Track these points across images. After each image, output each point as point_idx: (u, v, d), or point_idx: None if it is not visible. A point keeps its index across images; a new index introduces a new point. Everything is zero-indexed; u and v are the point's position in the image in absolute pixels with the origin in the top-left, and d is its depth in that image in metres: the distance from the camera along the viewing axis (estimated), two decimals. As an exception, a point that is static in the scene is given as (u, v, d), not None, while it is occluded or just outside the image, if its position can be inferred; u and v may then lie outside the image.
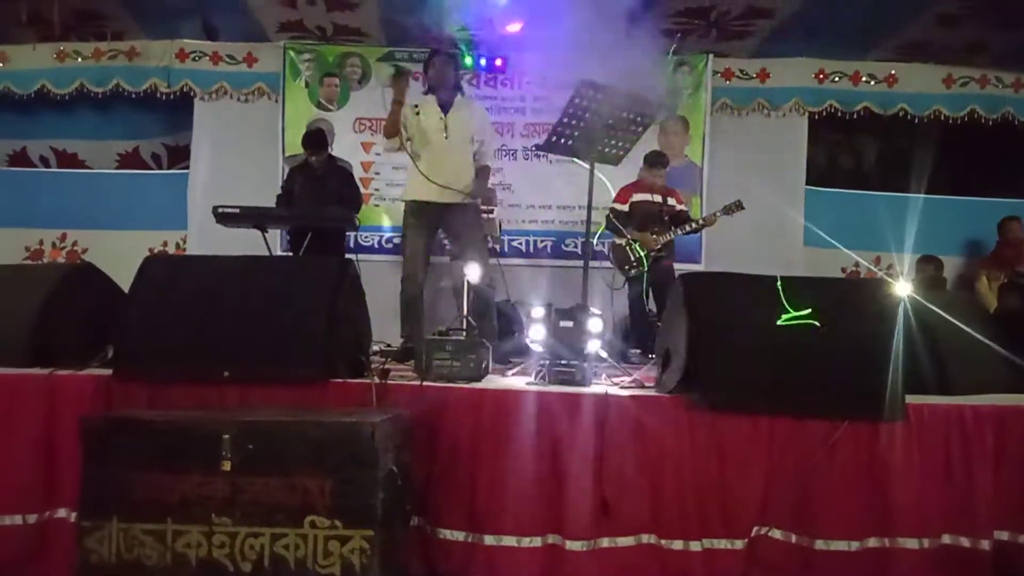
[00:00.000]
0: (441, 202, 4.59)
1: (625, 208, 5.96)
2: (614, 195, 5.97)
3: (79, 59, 7.34)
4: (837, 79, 7.44)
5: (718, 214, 5.92)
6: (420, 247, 4.64)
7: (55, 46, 7.28)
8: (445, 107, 4.63)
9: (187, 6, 6.81)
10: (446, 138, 4.57)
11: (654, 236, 5.80)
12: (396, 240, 7.00)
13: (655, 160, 6.09)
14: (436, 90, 4.64)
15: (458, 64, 4.81)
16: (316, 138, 5.97)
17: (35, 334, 3.11)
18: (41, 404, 2.88)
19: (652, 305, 5.88)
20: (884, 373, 2.82)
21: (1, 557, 2.77)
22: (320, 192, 5.71)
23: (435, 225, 4.69)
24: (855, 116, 7.51)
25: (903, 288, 3.20)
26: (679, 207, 6.05)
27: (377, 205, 7.29)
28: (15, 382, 2.93)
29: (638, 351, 5.63)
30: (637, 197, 5.98)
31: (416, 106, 4.65)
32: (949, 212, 7.37)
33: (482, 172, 4.72)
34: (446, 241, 4.96)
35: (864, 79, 7.42)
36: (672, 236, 5.86)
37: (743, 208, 5.86)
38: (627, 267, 5.84)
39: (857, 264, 7.39)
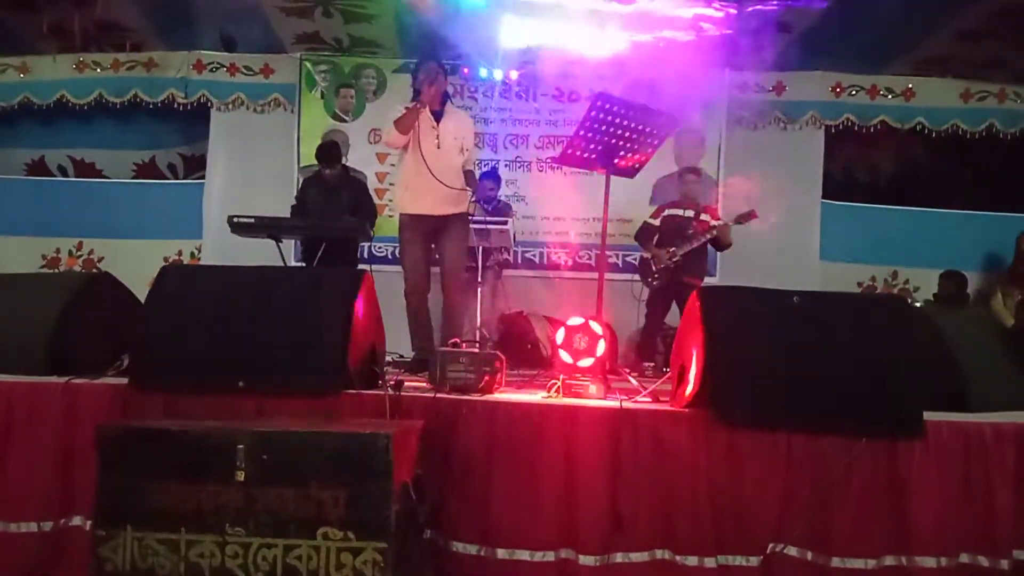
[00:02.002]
0: (434, 214, 4.62)
1: (656, 223, 6.00)
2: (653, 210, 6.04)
3: (98, 70, 7.42)
4: (854, 93, 7.42)
5: (730, 224, 5.89)
6: (420, 259, 4.68)
7: (75, 57, 7.37)
8: (437, 116, 4.66)
9: (205, 18, 6.88)
10: (438, 147, 4.59)
11: (669, 252, 5.78)
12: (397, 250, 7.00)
13: (684, 169, 6.13)
14: (426, 101, 4.62)
15: (447, 74, 4.81)
16: (329, 150, 6.00)
17: (52, 343, 3.13)
18: (58, 412, 2.89)
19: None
20: (901, 389, 2.80)
21: (17, 564, 2.78)
22: (333, 203, 5.74)
23: (430, 237, 4.72)
24: (872, 130, 7.48)
25: (920, 303, 3.18)
26: (713, 223, 5.99)
27: (391, 216, 7.29)
28: (33, 390, 2.95)
29: (651, 364, 5.61)
30: (669, 212, 6.00)
31: None
32: (967, 227, 7.33)
33: (469, 177, 4.75)
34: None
35: (881, 93, 7.40)
36: (685, 249, 5.82)
37: (756, 216, 5.82)
38: (649, 278, 5.86)
39: (874, 278, 7.35)
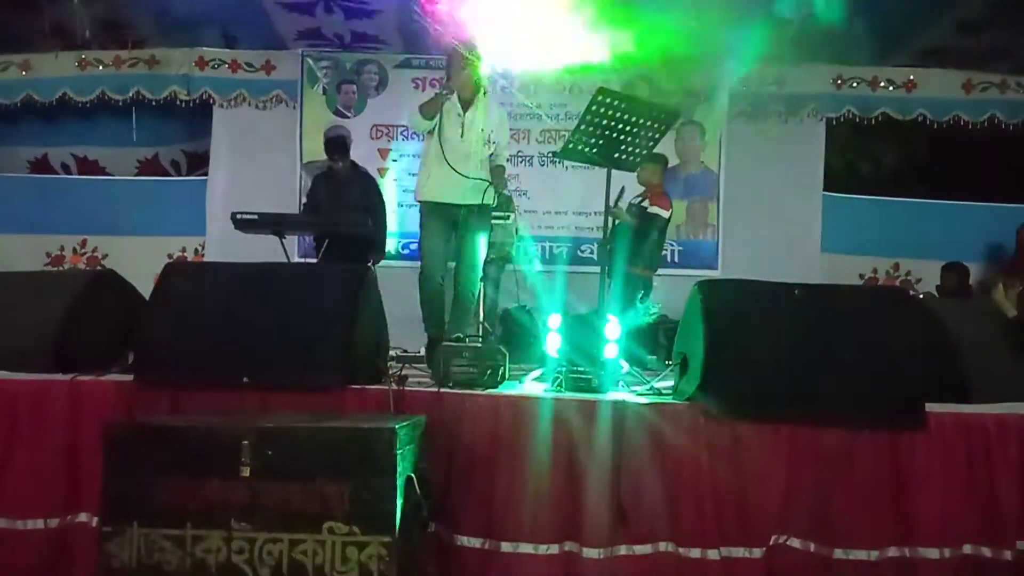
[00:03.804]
0: (455, 203, 4.55)
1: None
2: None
3: (100, 67, 7.41)
4: (855, 85, 7.39)
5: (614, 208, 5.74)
6: (439, 245, 4.60)
7: (77, 54, 7.36)
8: (465, 105, 4.56)
9: (207, 15, 6.88)
10: (461, 136, 4.51)
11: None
12: (413, 245, 7.00)
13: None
14: (455, 88, 4.53)
15: (482, 58, 4.58)
16: (338, 144, 5.99)
17: (58, 340, 3.14)
18: (64, 410, 2.92)
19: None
20: (903, 381, 2.80)
21: (24, 561, 2.81)
22: (344, 199, 5.74)
23: (451, 225, 4.63)
24: (873, 122, 7.46)
25: (922, 295, 3.18)
26: (649, 209, 5.86)
27: (394, 211, 7.31)
28: (38, 388, 2.96)
29: (653, 357, 5.60)
30: (631, 201, 5.94)
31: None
32: (969, 218, 7.31)
33: (496, 172, 4.63)
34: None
35: (882, 84, 7.37)
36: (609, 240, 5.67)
37: (623, 192, 5.71)
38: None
39: (875, 270, 7.34)
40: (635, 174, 5.83)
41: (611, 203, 5.45)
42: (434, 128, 4.50)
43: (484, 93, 4.68)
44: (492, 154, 4.66)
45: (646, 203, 5.86)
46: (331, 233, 5.40)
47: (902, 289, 6.44)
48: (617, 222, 5.53)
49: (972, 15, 6.34)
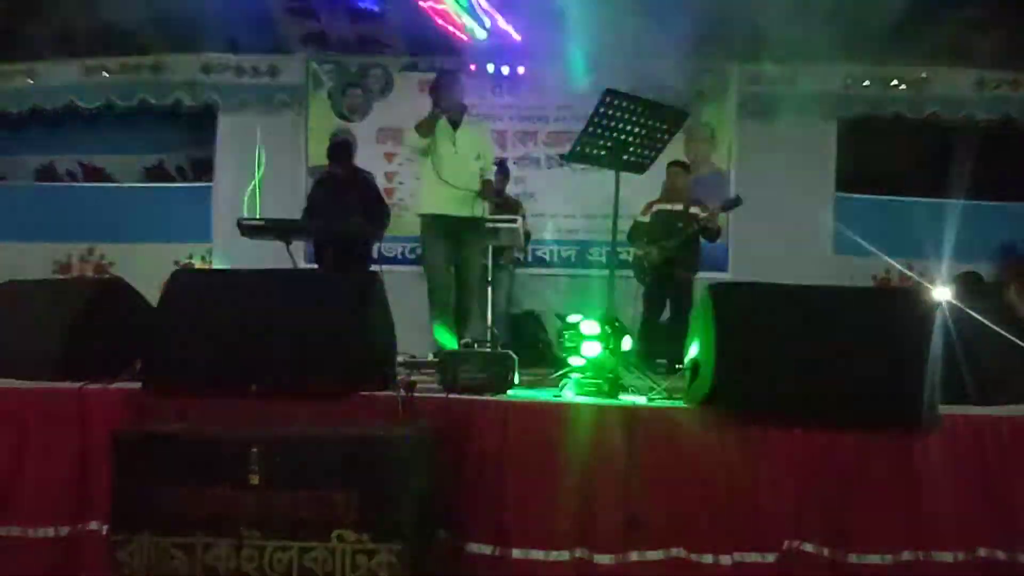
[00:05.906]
0: (454, 215, 4.72)
1: (646, 220, 5.93)
2: (641, 207, 5.95)
3: (106, 74, 7.45)
4: (867, 84, 7.35)
5: (717, 211, 5.83)
6: (441, 258, 4.79)
7: (82, 61, 7.40)
8: (454, 124, 4.80)
9: (212, 21, 6.90)
10: (455, 153, 4.74)
11: (659, 247, 5.73)
12: (420, 250, 7.00)
13: (673, 163, 6.06)
14: (444, 109, 4.75)
15: (463, 84, 4.95)
16: (340, 149, 6.00)
17: (66, 348, 3.14)
18: (72, 418, 2.91)
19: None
20: (918, 383, 2.77)
21: (34, 569, 2.80)
22: (343, 203, 5.74)
23: (451, 237, 4.81)
24: (886, 120, 7.41)
25: (937, 296, 3.15)
26: (702, 215, 5.96)
27: (400, 215, 7.31)
28: (47, 396, 2.96)
29: (663, 361, 5.58)
30: (658, 207, 5.96)
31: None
32: (982, 217, 7.23)
33: (485, 185, 4.83)
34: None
35: (894, 83, 7.32)
36: (674, 243, 5.73)
37: (741, 203, 5.77)
38: (642, 278, 5.83)
39: (888, 272, 7.29)
40: (667, 183, 5.93)
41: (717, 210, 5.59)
42: (428, 147, 4.71)
43: (467, 111, 4.90)
44: (481, 168, 4.86)
45: (695, 209, 5.89)
46: (333, 238, 5.41)
47: (915, 290, 6.39)
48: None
49: (984, 13, 6.30)
